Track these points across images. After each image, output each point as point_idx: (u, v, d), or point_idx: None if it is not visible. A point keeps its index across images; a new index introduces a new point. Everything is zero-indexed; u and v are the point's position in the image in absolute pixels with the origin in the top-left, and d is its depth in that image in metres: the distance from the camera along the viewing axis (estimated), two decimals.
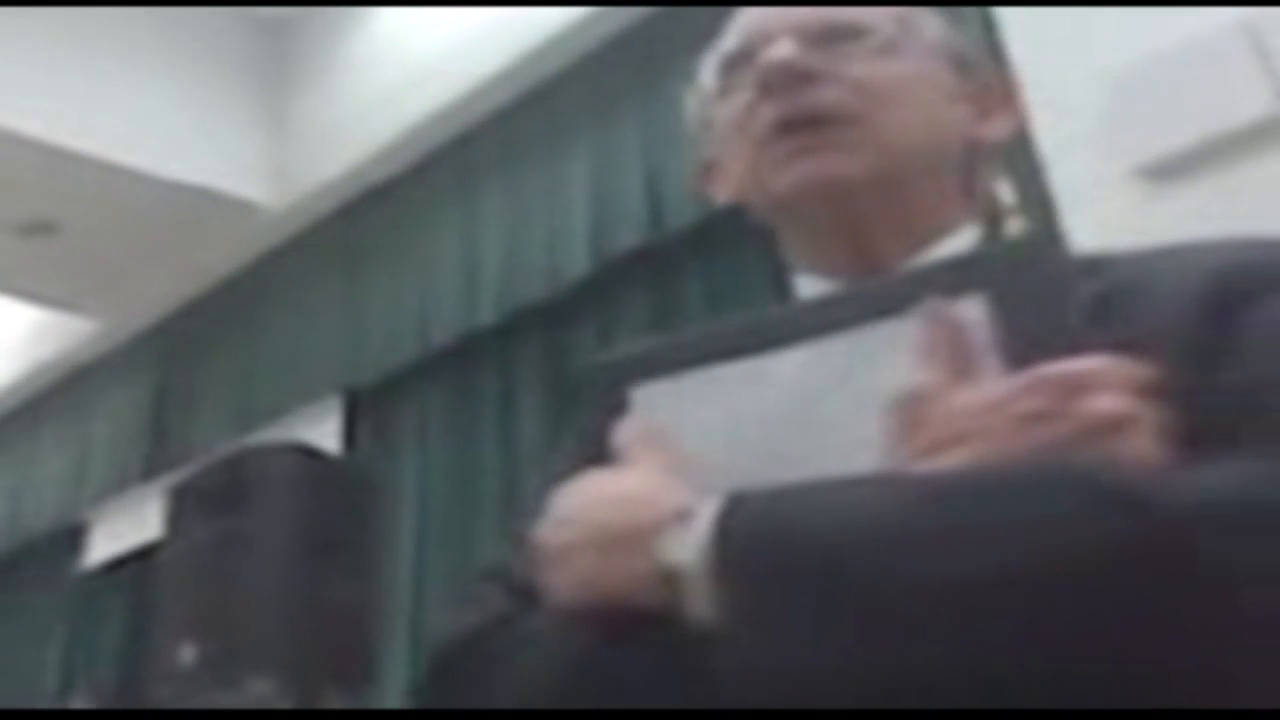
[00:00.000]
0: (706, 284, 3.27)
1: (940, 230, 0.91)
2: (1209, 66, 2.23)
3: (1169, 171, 2.25)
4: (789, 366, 0.74)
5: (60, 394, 5.62)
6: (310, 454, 2.14)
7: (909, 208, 0.91)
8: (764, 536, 0.66)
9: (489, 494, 3.58)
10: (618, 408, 0.79)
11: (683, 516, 0.69)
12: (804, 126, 0.90)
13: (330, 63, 4.64)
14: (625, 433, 0.78)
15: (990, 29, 2.69)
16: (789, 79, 0.91)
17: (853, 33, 0.93)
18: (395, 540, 3.78)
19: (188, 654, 1.89)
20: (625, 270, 3.45)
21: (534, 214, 3.73)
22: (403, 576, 3.70)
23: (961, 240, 0.92)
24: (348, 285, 4.32)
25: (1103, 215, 2.32)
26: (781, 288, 1.00)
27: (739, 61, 0.96)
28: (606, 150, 3.55)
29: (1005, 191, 2.50)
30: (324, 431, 4.06)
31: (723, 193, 0.99)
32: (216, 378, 4.74)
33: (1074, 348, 0.67)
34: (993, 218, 0.98)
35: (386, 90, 4.26)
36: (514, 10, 3.85)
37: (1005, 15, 2.61)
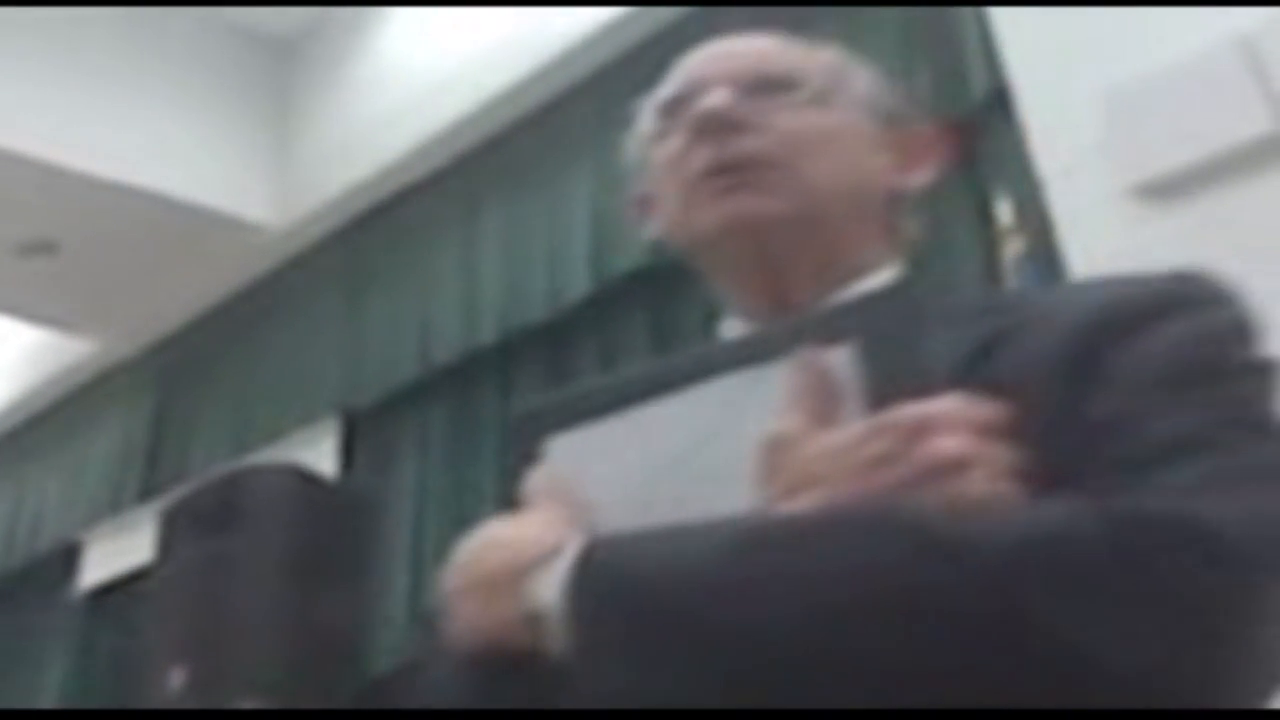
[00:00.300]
0: (705, 306, 3.25)
1: (857, 272, 0.96)
2: (1207, 85, 2.22)
3: (1167, 191, 2.25)
4: (676, 414, 0.80)
5: (57, 414, 5.60)
6: (303, 475, 2.12)
7: (827, 250, 0.95)
8: (609, 581, 0.71)
9: (488, 516, 3.55)
10: (534, 457, 0.85)
11: (547, 560, 0.73)
12: (731, 170, 0.95)
13: (333, 84, 4.64)
14: (533, 482, 0.83)
15: (989, 49, 2.69)
16: (720, 126, 0.96)
17: (785, 85, 0.99)
18: (393, 561, 3.76)
19: (177, 677, 1.87)
20: (625, 291, 3.44)
21: (535, 235, 3.73)
22: (400, 598, 3.68)
23: (878, 280, 0.96)
24: (347, 306, 4.31)
25: (1101, 234, 2.31)
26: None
27: (676, 107, 1.02)
28: (607, 171, 3.55)
29: (1004, 212, 2.49)
30: (321, 452, 4.05)
31: (656, 229, 1.05)
32: (214, 399, 4.73)
33: (935, 392, 0.70)
34: (914, 260, 1.02)
35: (389, 111, 4.27)
36: (516, 32, 3.86)
37: (1003, 35, 2.61)
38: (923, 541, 0.65)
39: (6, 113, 4.06)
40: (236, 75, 4.74)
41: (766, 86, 0.98)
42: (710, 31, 3.48)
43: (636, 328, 3.45)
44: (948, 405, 0.69)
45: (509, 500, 0.84)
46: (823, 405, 0.73)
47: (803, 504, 0.70)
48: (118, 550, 4.76)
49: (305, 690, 1.85)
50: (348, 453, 4.18)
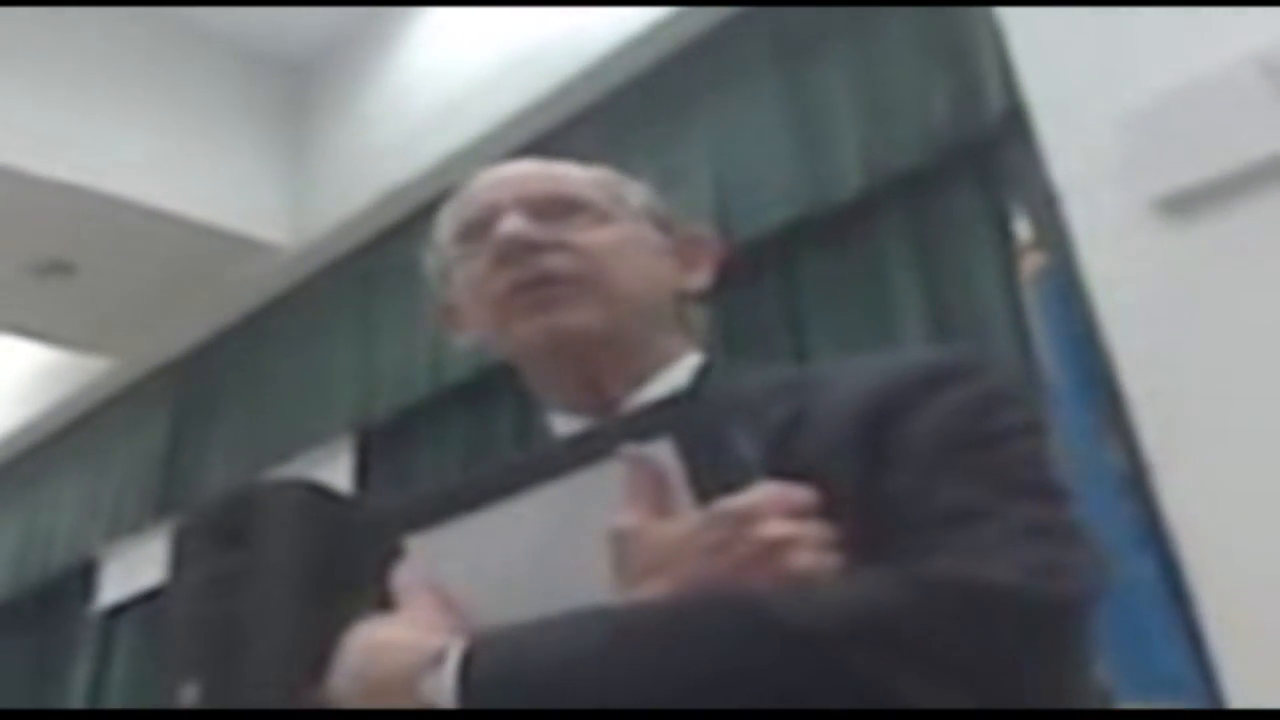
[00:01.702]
0: (714, 320, 3.25)
1: (658, 367, 1.06)
2: (1226, 101, 2.21)
3: (1186, 207, 2.23)
4: (527, 511, 0.87)
5: (74, 434, 5.62)
6: (315, 491, 2.12)
7: (629, 351, 1.05)
8: (493, 680, 0.79)
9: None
10: (396, 554, 0.92)
11: (435, 661, 0.81)
12: (535, 286, 1.04)
13: (347, 106, 4.66)
14: (400, 578, 0.91)
15: (1005, 65, 2.69)
16: (520, 249, 1.05)
17: (572, 207, 1.09)
18: None
19: (189, 693, 1.86)
20: None
21: None
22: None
23: (680, 371, 1.07)
24: (361, 325, 4.32)
25: (1120, 251, 2.30)
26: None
27: (474, 231, 1.10)
28: None
29: (1023, 228, 2.48)
30: (336, 470, 4.05)
31: (465, 336, 1.15)
32: (229, 418, 4.74)
33: (749, 479, 0.80)
34: (707, 348, 1.12)
35: (403, 133, 4.28)
36: (528, 55, 3.87)
37: (1021, 51, 2.60)
38: (760, 621, 0.75)
39: (24, 134, 4.07)
40: (252, 98, 4.76)
41: (556, 209, 1.08)
42: (720, 57, 3.49)
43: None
44: (768, 493, 0.79)
45: (376, 597, 0.92)
46: (657, 497, 0.82)
47: (652, 590, 0.80)
48: (135, 568, 4.77)
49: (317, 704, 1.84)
50: (363, 471, 4.18)
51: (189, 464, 4.83)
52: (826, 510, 0.81)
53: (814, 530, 0.79)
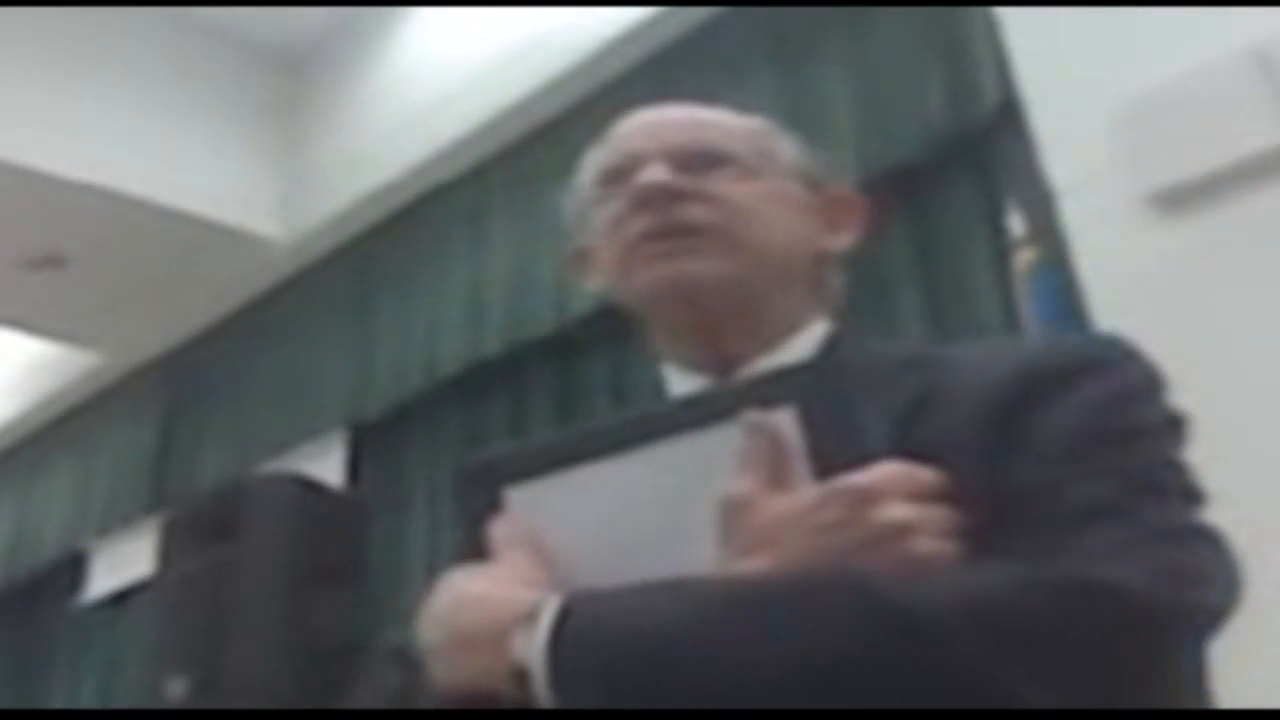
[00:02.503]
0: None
1: (789, 330, 1.03)
2: (1220, 96, 2.21)
3: (1179, 201, 2.23)
4: (636, 470, 0.84)
5: (65, 427, 5.60)
6: (303, 484, 2.11)
7: (760, 309, 1.02)
8: (586, 642, 0.76)
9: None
10: (495, 506, 0.88)
11: (528, 618, 0.78)
12: (669, 235, 1.01)
13: (340, 98, 4.65)
14: (497, 532, 0.87)
15: (1000, 60, 2.68)
16: (661, 197, 1.02)
17: (717, 159, 1.05)
18: (406, 572, 3.75)
19: (177, 686, 1.86)
20: None
21: (541, 247, 3.72)
22: (413, 609, 3.66)
23: (808, 339, 1.03)
24: (354, 319, 4.31)
25: (1113, 244, 2.29)
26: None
27: (616, 176, 1.08)
28: None
29: (1016, 223, 2.48)
30: (328, 465, 4.04)
31: (593, 282, 1.12)
32: (221, 411, 4.73)
33: (872, 456, 0.77)
34: (839, 316, 1.09)
35: (396, 125, 4.27)
36: (522, 46, 3.86)
37: (1015, 46, 2.60)
38: (873, 605, 0.72)
39: (14, 127, 4.06)
40: (245, 89, 4.74)
41: (701, 160, 1.05)
42: (713, 52, 3.49)
43: (644, 340, 3.43)
44: (891, 472, 0.76)
45: (470, 548, 0.88)
46: (774, 468, 0.79)
47: (758, 565, 0.77)
48: (125, 561, 4.75)
49: (304, 697, 1.84)
50: (355, 465, 4.17)
51: (180, 458, 4.82)
52: (951, 496, 0.78)
53: (936, 515, 0.76)
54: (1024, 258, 2.40)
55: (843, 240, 1.11)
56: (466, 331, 3.84)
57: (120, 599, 4.85)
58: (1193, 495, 0.84)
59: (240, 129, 4.65)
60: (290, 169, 4.66)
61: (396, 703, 0.93)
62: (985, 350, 0.95)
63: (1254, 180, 2.16)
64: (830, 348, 1.03)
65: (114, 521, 4.96)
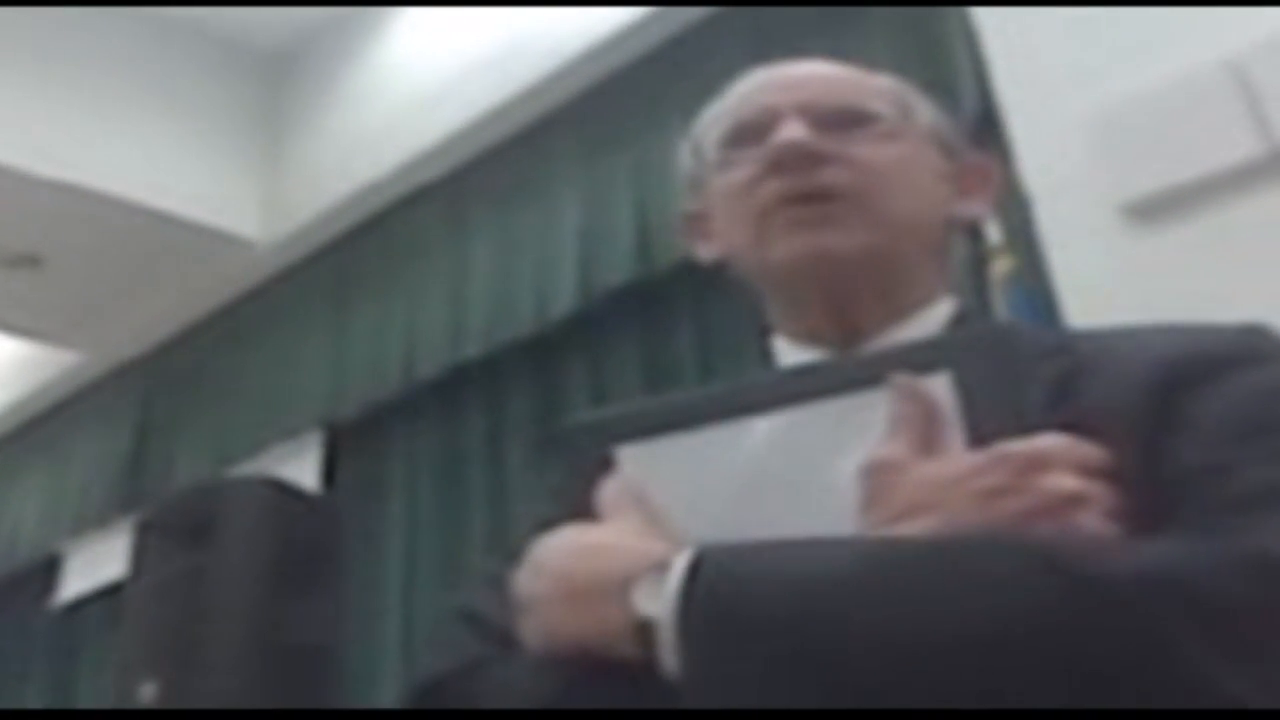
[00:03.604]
0: (695, 321, 3.26)
1: (919, 304, 0.98)
2: (1195, 107, 2.23)
3: (1154, 211, 2.24)
4: (766, 432, 0.78)
5: (41, 427, 5.57)
6: (278, 488, 2.10)
7: (894, 283, 0.97)
8: (725, 595, 0.70)
9: (476, 529, 3.55)
10: (602, 466, 0.82)
11: (656, 568, 0.72)
12: (809, 200, 0.95)
13: (322, 100, 4.64)
14: (608, 490, 0.81)
15: (978, 69, 2.69)
16: (800, 159, 0.96)
17: (859, 119, 0.99)
18: (383, 575, 3.75)
19: (147, 692, 1.84)
20: (614, 306, 3.43)
21: (522, 249, 3.72)
22: (391, 613, 3.67)
23: (938, 314, 0.98)
24: (333, 320, 4.30)
25: (1088, 253, 2.30)
26: (764, 340, 1.05)
27: (746, 135, 1.01)
28: (597, 186, 3.55)
29: (992, 230, 2.48)
30: (304, 466, 4.03)
31: (706, 249, 1.05)
32: (198, 412, 4.71)
33: (1030, 428, 0.73)
34: (965, 293, 1.04)
35: (378, 127, 4.26)
36: (504, 49, 3.86)
37: (992, 56, 2.61)
38: (1055, 566, 0.66)
39: None
40: (226, 89, 4.73)
41: (841, 120, 0.99)
42: (694, 58, 3.48)
43: (625, 343, 3.44)
44: (1058, 443, 0.72)
45: (575, 506, 0.82)
46: (925, 433, 0.75)
47: (914, 528, 0.71)
48: (99, 562, 4.73)
49: (279, 703, 1.83)
50: (331, 467, 4.16)
51: (155, 459, 4.80)
52: (1113, 473, 0.73)
53: (1104, 491, 0.72)
54: (1000, 265, 2.41)
55: (974, 209, 1.06)
56: (445, 334, 3.84)
57: (95, 600, 4.82)
58: None
59: (220, 130, 4.63)
60: (270, 170, 4.65)
61: (475, 670, 0.85)
62: (1134, 334, 0.89)
63: (1227, 192, 2.18)
64: (960, 323, 0.99)
65: (88, 523, 4.93)
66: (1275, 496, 0.73)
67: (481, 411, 3.79)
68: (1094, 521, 0.70)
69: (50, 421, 5.54)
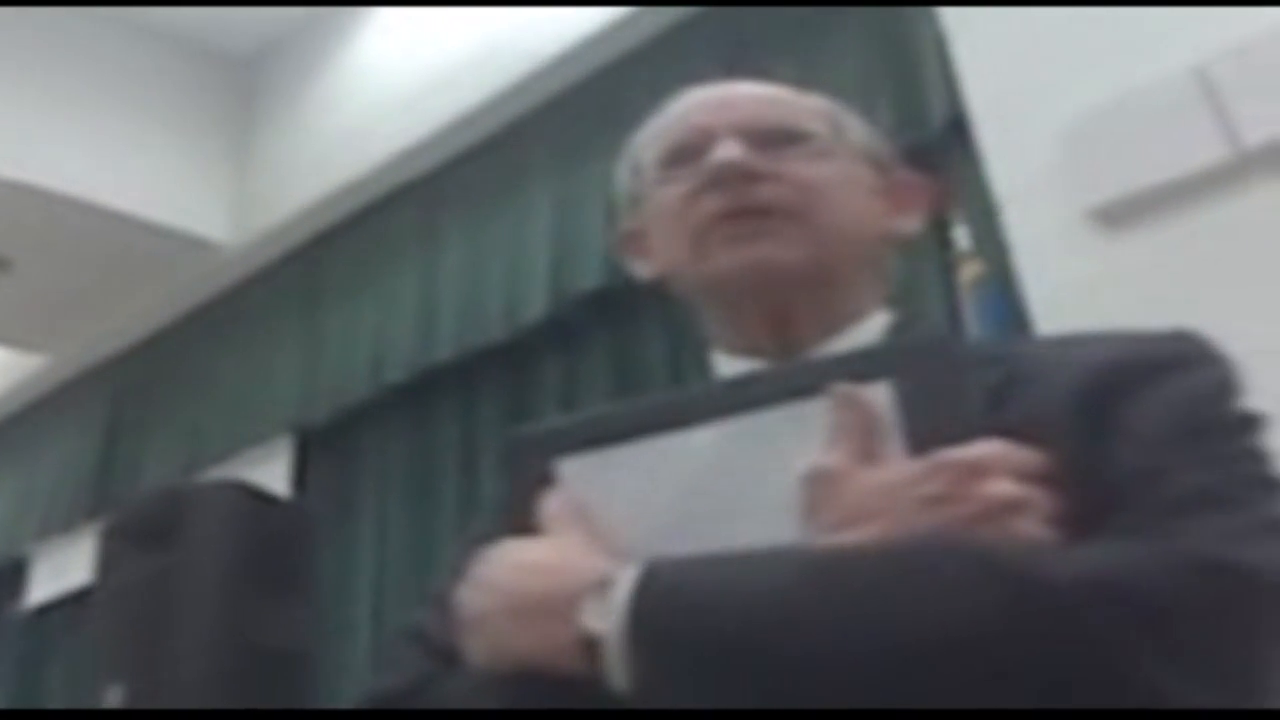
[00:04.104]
0: (667, 326, 3.26)
1: (855, 316, 1.00)
2: (1162, 114, 2.25)
3: (1122, 217, 2.26)
4: (707, 442, 0.79)
5: (8, 431, 5.53)
6: (245, 491, 2.09)
7: (830, 295, 0.99)
8: (676, 609, 0.71)
9: (447, 534, 3.54)
10: (544, 479, 0.83)
11: (602, 585, 0.73)
12: (746, 216, 0.97)
13: (292, 104, 4.62)
14: (551, 504, 0.81)
15: (949, 77, 2.71)
16: (736, 176, 0.98)
17: (792, 137, 1.02)
18: (353, 580, 3.73)
19: (114, 695, 1.83)
20: (586, 311, 3.43)
21: (494, 254, 3.72)
22: (360, 617, 3.65)
23: (873, 325, 1.00)
24: (303, 324, 4.29)
25: (1056, 259, 2.32)
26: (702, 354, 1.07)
27: (682, 155, 1.03)
28: (569, 192, 3.55)
29: (962, 236, 2.50)
30: (274, 471, 4.01)
31: (644, 266, 1.08)
32: (167, 417, 4.68)
33: (970, 435, 0.74)
34: (895, 304, 1.05)
35: (348, 130, 4.25)
36: (476, 54, 3.86)
37: (963, 63, 2.63)
38: (997, 571, 0.68)
39: None
40: (195, 93, 4.71)
41: (775, 138, 1.01)
42: (668, 62, 3.49)
43: (596, 348, 3.44)
44: (996, 450, 0.73)
45: (517, 521, 0.82)
46: (865, 442, 0.75)
47: (859, 537, 0.72)
48: (66, 567, 4.69)
49: (247, 706, 1.82)
50: (301, 471, 4.14)
51: (124, 463, 4.77)
52: (1051, 479, 0.74)
53: (1041, 497, 0.73)
54: (969, 270, 2.43)
55: (908, 224, 1.08)
56: (417, 338, 3.83)
57: (62, 605, 4.79)
58: None
59: (190, 133, 4.61)
60: (240, 173, 4.63)
61: (421, 686, 0.86)
62: (1069, 341, 0.91)
63: (1194, 197, 2.20)
64: (896, 334, 1.00)
65: (56, 527, 4.90)
66: (1207, 500, 0.74)
67: (453, 416, 3.78)
68: (1032, 527, 0.71)
69: (18, 425, 5.50)
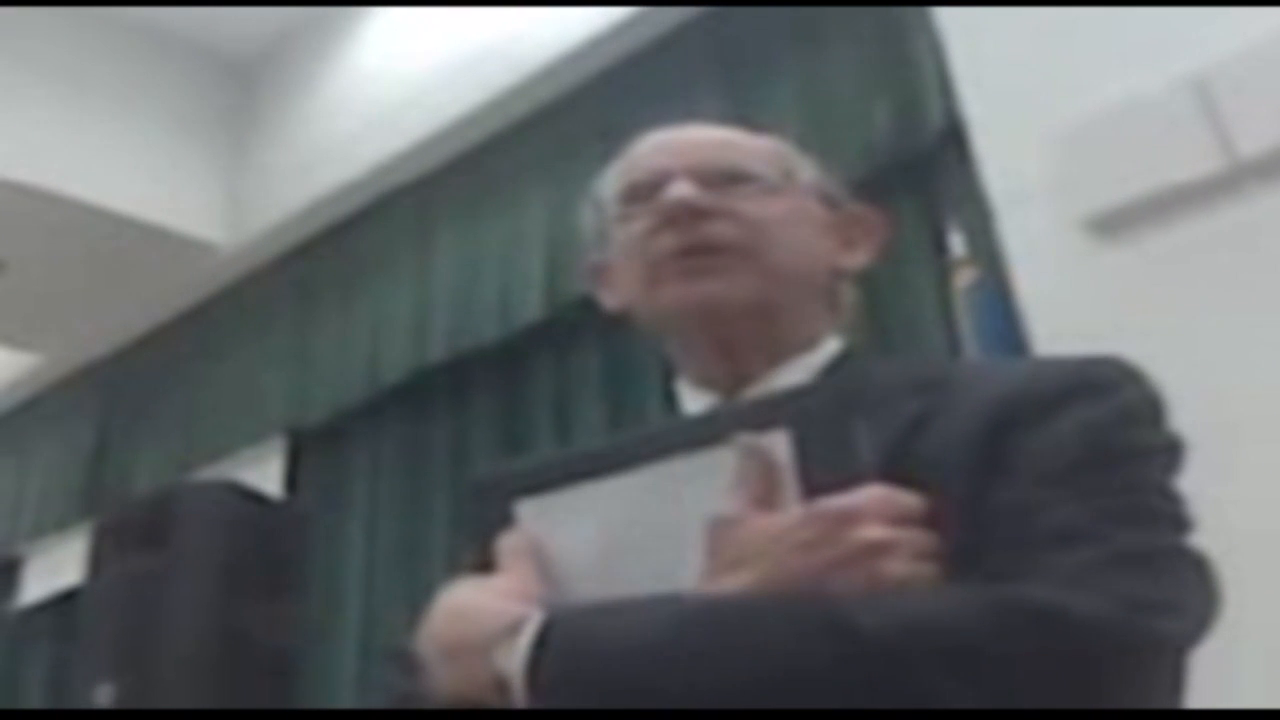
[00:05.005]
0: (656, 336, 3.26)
1: (803, 347, 1.05)
2: (1158, 123, 2.25)
3: (1116, 225, 2.26)
4: (637, 487, 0.86)
5: (1, 429, 5.51)
6: (236, 491, 2.08)
7: (779, 328, 1.04)
8: (565, 656, 0.78)
9: (439, 536, 3.53)
10: (505, 519, 0.90)
11: (512, 631, 0.80)
12: (697, 253, 1.03)
13: (288, 106, 4.62)
14: (505, 544, 0.89)
15: (945, 84, 2.71)
16: (686, 214, 1.03)
17: (741, 177, 1.07)
18: (345, 583, 3.73)
19: (104, 694, 1.82)
20: (579, 315, 3.43)
21: (488, 257, 3.72)
22: (351, 619, 3.65)
23: (820, 357, 1.06)
24: (297, 326, 4.28)
25: (1051, 266, 2.32)
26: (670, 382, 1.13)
27: (639, 193, 1.09)
28: (562, 195, 3.55)
29: (957, 243, 2.50)
30: (266, 472, 4.01)
31: (610, 297, 1.14)
32: (160, 417, 4.68)
33: (858, 480, 0.79)
34: (851, 331, 1.11)
35: (344, 133, 4.25)
36: (472, 58, 3.86)
37: (959, 71, 2.63)
38: (827, 624, 0.74)
39: None
40: (192, 94, 4.70)
41: (726, 178, 1.07)
42: (663, 68, 3.49)
43: (589, 351, 3.44)
44: (872, 495, 0.78)
45: (480, 559, 0.90)
46: (764, 489, 0.81)
47: (735, 583, 0.79)
48: (59, 566, 4.68)
49: (235, 705, 1.81)
50: (293, 473, 4.14)
51: (117, 463, 4.77)
52: (934, 518, 0.79)
53: (914, 537, 0.78)
54: (965, 277, 2.43)
55: (859, 258, 1.13)
56: (410, 340, 3.83)
57: (55, 604, 4.78)
58: (1173, 520, 0.84)
59: (185, 134, 4.61)
60: (235, 175, 4.63)
61: (402, 705, 0.94)
62: (990, 370, 0.95)
63: (1189, 206, 2.20)
64: (840, 365, 1.05)
65: (48, 527, 4.89)
66: (1072, 537, 0.79)
67: (446, 418, 3.78)
68: (900, 568, 0.77)
69: (11, 425, 5.49)
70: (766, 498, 0.81)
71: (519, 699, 0.79)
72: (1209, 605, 0.82)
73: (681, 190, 1.04)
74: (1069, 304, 2.27)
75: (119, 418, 4.90)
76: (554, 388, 3.51)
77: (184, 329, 4.81)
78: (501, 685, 0.80)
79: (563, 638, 0.79)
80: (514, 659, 0.79)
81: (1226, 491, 1.99)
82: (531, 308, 3.51)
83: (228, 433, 4.32)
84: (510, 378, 3.64)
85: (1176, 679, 0.81)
